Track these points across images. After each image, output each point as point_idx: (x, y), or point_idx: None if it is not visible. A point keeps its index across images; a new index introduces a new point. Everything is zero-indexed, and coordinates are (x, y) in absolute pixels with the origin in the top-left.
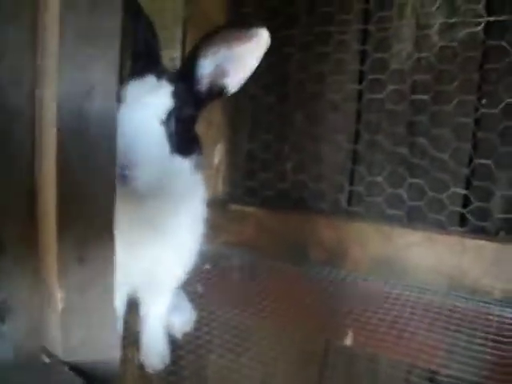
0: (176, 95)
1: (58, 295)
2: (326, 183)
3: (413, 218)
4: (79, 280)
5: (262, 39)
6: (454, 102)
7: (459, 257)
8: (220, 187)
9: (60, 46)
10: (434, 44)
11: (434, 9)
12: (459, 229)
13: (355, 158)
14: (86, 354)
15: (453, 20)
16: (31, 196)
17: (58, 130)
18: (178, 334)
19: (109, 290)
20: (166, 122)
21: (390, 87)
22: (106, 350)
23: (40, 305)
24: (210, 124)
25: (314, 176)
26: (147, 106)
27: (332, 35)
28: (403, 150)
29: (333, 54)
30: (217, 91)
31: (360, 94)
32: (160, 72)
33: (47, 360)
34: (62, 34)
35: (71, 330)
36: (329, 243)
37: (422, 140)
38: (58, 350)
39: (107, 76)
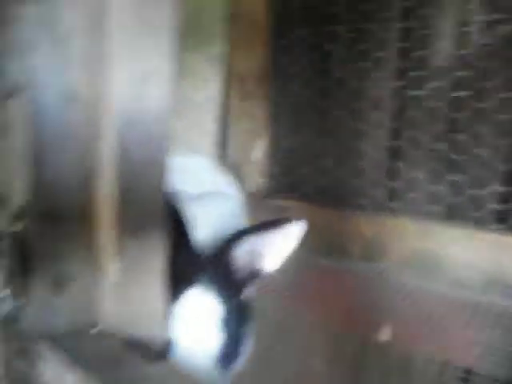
0: (226, 307)
1: (112, 270)
2: (365, 179)
3: (452, 215)
4: (133, 256)
5: (299, 229)
6: (496, 98)
7: (498, 254)
8: (260, 181)
9: (119, 33)
10: (476, 41)
11: (474, 6)
12: (498, 226)
13: (395, 154)
14: (137, 328)
15: (494, 16)
16: (90, 176)
17: (117, 114)
18: None
19: (160, 266)
20: None
21: (431, 84)
22: (156, 325)
23: (94, 279)
24: (252, 119)
25: (354, 172)
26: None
27: (373, 32)
28: (443, 147)
29: (374, 51)
30: (253, 275)
31: (400, 92)
32: (200, 277)
33: (99, 332)
34: (121, 21)
35: (124, 304)
36: (368, 238)
37: (462, 137)
38: (111, 323)
39: (164, 64)
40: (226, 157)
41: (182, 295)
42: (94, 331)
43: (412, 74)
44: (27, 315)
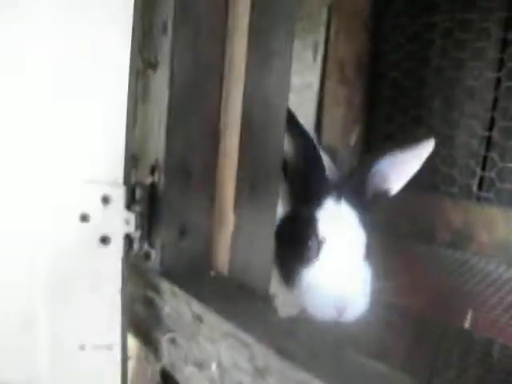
0: (360, 218)
1: (231, 219)
2: (457, 167)
3: None
4: (249, 208)
5: (427, 148)
6: None
7: None
8: (354, 165)
9: (245, 14)
10: None
11: None
12: None
13: (488, 144)
14: (248, 274)
15: None
16: (215, 137)
17: (245, 84)
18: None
19: (272, 219)
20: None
21: None
22: (264, 274)
23: (214, 228)
24: (350, 105)
25: (447, 160)
26: (351, 244)
27: (473, 23)
28: None
29: (473, 41)
30: (380, 194)
31: (498, 82)
32: (335, 192)
33: (215, 275)
34: (247, 4)
35: (238, 251)
36: (456, 225)
37: None
38: (225, 268)
39: (284, 43)
40: (322, 140)
41: (322, 205)
42: (210, 274)
43: (510, 64)
44: (154, 255)
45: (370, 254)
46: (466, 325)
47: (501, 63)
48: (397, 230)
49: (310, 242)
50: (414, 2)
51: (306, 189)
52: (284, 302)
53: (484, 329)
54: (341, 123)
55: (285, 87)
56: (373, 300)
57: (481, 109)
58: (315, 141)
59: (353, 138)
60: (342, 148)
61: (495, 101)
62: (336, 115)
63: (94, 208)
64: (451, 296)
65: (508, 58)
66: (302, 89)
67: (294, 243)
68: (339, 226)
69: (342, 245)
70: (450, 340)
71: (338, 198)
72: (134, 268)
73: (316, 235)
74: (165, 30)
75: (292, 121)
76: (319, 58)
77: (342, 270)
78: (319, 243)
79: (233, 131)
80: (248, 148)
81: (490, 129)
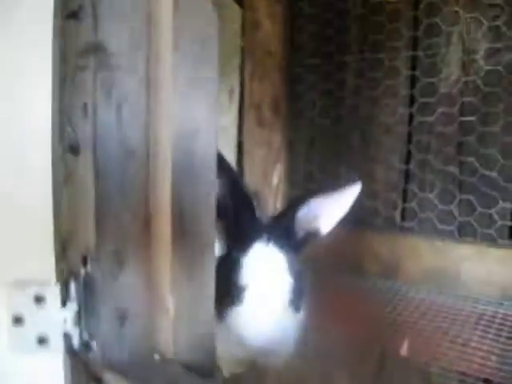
0: (288, 260)
1: (170, 305)
2: (380, 201)
3: (464, 233)
4: (187, 287)
5: (354, 190)
6: (501, 122)
7: (510, 268)
8: (280, 205)
9: (172, 93)
10: (481, 68)
11: (479, 35)
12: (508, 242)
13: (407, 176)
14: (192, 353)
15: (498, 45)
16: (146, 219)
17: (173, 164)
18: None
19: (211, 299)
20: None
21: (440, 110)
22: (208, 351)
23: (154, 312)
24: (270, 146)
25: (369, 194)
26: (274, 291)
27: (383, 61)
28: (453, 169)
29: (384, 79)
30: (310, 236)
31: (411, 117)
32: (264, 234)
33: (160, 358)
34: (174, 83)
35: (180, 332)
36: (383, 257)
37: (470, 159)
38: (169, 350)
39: (209, 116)
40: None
41: (250, 248)
42: (154, 358)
43: (421, 100)
44: (95, 347)
45: (298, 298)
46: (403, 353)
47: (412, 99)
48: (326, 266)
49: (233, 288)
50: (325, 42)
51: (237, 230)
52: (225, 357)
53: (421, 354)
54: (261, 165)
55: (212, 162)
56: (302, 343)
57: (397, 143)
58: (244, 182)
59: (274, 180)
60: (264, 190)
61: (410, 135)
62: (256, 157)
63: (28, 309)
64: (386, 325)
65: (418, 94)
66: (221, 132)
67: (224, 287)
68: (263, 271)
69: (263, 291)
70: (388, 368)
71: (267, 240)
72: (77, 361)
73: (239, 281)
74: (85, 112)
75: (221, 162)
76: (235, 101)
77: (261, 318)
78: (242, 289)
79: (163, 212)
80: (180, 230)
81: (407, 162)
